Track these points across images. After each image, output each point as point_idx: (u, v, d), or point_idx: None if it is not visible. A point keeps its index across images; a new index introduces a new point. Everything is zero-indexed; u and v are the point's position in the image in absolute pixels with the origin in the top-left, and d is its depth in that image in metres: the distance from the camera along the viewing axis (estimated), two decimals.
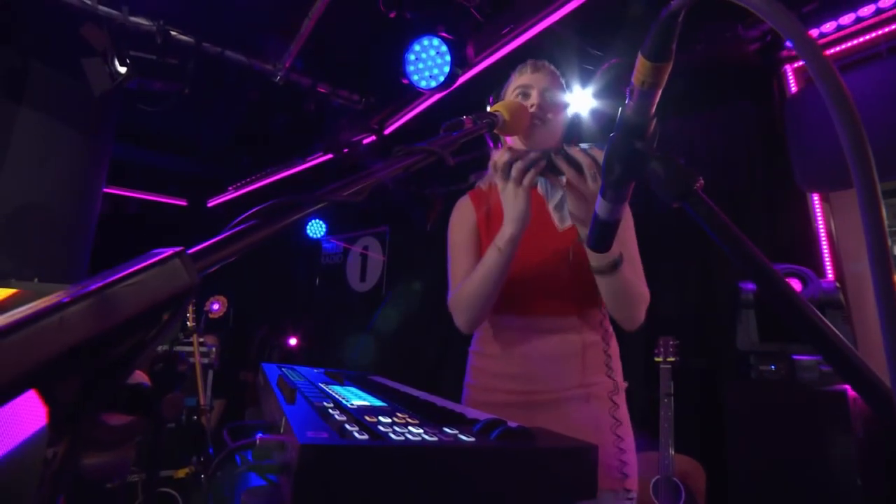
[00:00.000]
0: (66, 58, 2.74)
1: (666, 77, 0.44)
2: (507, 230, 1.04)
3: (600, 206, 0.57)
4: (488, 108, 1.04)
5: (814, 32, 2.43)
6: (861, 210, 0.26)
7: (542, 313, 1.16)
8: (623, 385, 1.19)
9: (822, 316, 0.36)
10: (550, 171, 0.99)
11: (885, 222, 0.26)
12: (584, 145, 1.32)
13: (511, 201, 1.02)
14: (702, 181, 0.42)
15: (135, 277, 0.27)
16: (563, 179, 0.99)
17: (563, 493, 0.59)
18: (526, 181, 0.99)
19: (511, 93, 1.23)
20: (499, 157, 1.00)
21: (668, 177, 0.43)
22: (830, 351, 0.36)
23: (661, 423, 2.35)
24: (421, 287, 4.58)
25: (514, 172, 0.98)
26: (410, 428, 0.59)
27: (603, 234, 0.59)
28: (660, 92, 0.45)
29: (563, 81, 1.27)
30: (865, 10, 2.30)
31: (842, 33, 2.40)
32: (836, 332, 0.36)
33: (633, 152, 0.47)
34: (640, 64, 0.43)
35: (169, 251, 0.30)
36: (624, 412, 1.16)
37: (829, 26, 2.37)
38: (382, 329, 4.79)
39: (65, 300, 0.23)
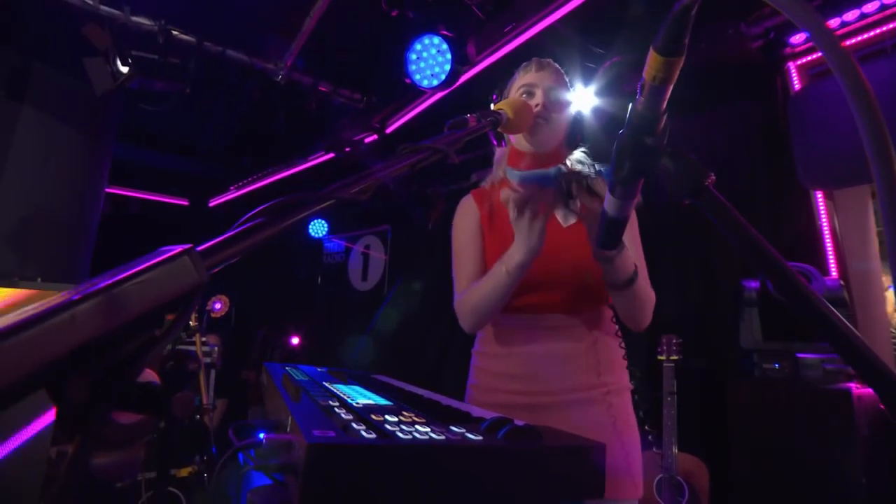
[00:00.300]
0: (67, 58, 2.73)
1: (678, 72, 0.43)
2: (517, 256, 1.00)
3: (609, 203, 0.56)
4: (492, 107, 1.04)
5: None
6: (881, 203, 0.25)
7: (548, 311, 1.15)
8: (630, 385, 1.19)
9: (836, 312, 0.36)
10: (566, 203, 0.94)
11: None
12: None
13: (525, 232, 0.98)
14: (713, 177, 0.41)
15: (144, 275, 0.26)
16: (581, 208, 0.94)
17: (571, 492, 0.59)
18: (539, 221, 0.95)
19: (515, 91, 1.23)
20: (509, 195, 0.94)
21: (680, 172, 0.42)
22: (844, 346, 0.35)
23: (665, 421, 2.35)
24: (423, 286, 4.58)
25: (528, 214, 0.94)
26: (417, 427, 0.58)
27: (612, 232, 0.58)
28: (671, 87, 0.44)
29: (567, 80, 1.27)
30: (870, 6, 2.29)
31: (846, 29, 2.39)
32: (851, 328, 0.35)
33: (644, 148, 0.47)
34: (652, 58, 0.43)
35: (178, 249, 0.29)
36: (630, 406, 1.17)
37: (833, 22, 2.36)
38: (384, 328, 4.79)
39: (75, 297, 0.23)
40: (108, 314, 0.24)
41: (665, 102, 0.46)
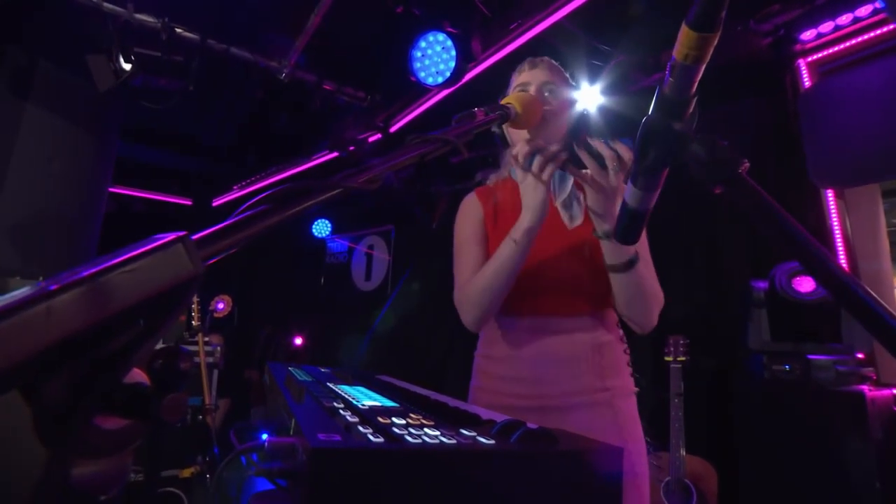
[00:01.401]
0: (72, 56, 2.72)
1: (711, 51, 0.40)
2: (524, 221, 1.02)
3: (630, 195, 0.53)
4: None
5: (828, 25, 2.38)
6: None
7: (551, 313, 1.13)
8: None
9: (885, 305, 0.33)
10: (572, 163, 0.97)
11: None
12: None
13: (530, 192, 1.01)
14: (747, 164, 0.39)
15: (133, 263, 0.24)
16: (585, 172, 0.97)
17: (588, 497, 0.56)
18: (546, 174, 0.97)
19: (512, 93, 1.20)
20: (519, 148, 0.98)
21: (711, 160, 0.39)
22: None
23: (672, 423, 2.31)
24: (426, 286, 4.55)
25: (535, 165, 0.97)
26: (426, 430, 0.56)
27: (631, 225, 0.55)
28: (703, 67, 0.41)
29: (567, 75, 1.24)
30: (882, 2, 2.25)
31: (858, 25, 2.35)
32: None
33: (671, 134, 0.44)
34: (684, 35, 0.40)
35: (171, 236, 0.27)
36: (636, 410, 1.14)
37: (844, 18, 2.32)
38: (387, 329, 4.77)
39: (52, 288, 0.20)
40: (89, 307, 0.21)
41: (696, 84, 0.43)
